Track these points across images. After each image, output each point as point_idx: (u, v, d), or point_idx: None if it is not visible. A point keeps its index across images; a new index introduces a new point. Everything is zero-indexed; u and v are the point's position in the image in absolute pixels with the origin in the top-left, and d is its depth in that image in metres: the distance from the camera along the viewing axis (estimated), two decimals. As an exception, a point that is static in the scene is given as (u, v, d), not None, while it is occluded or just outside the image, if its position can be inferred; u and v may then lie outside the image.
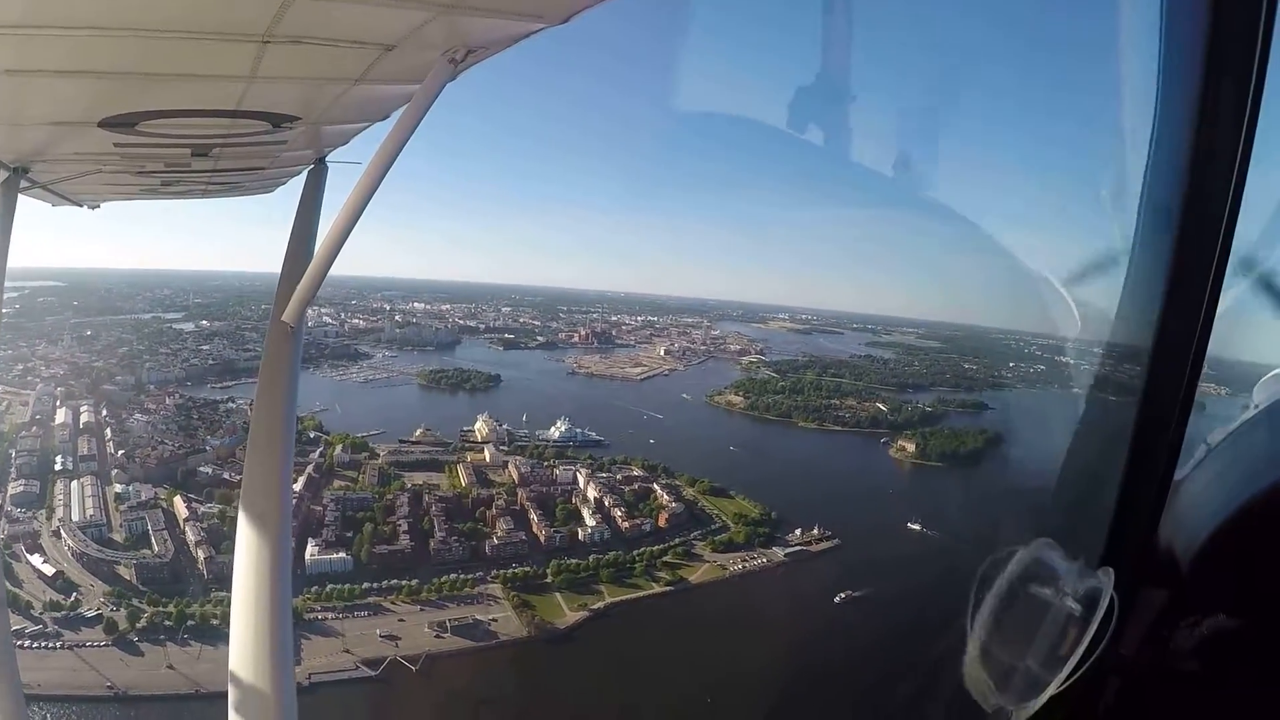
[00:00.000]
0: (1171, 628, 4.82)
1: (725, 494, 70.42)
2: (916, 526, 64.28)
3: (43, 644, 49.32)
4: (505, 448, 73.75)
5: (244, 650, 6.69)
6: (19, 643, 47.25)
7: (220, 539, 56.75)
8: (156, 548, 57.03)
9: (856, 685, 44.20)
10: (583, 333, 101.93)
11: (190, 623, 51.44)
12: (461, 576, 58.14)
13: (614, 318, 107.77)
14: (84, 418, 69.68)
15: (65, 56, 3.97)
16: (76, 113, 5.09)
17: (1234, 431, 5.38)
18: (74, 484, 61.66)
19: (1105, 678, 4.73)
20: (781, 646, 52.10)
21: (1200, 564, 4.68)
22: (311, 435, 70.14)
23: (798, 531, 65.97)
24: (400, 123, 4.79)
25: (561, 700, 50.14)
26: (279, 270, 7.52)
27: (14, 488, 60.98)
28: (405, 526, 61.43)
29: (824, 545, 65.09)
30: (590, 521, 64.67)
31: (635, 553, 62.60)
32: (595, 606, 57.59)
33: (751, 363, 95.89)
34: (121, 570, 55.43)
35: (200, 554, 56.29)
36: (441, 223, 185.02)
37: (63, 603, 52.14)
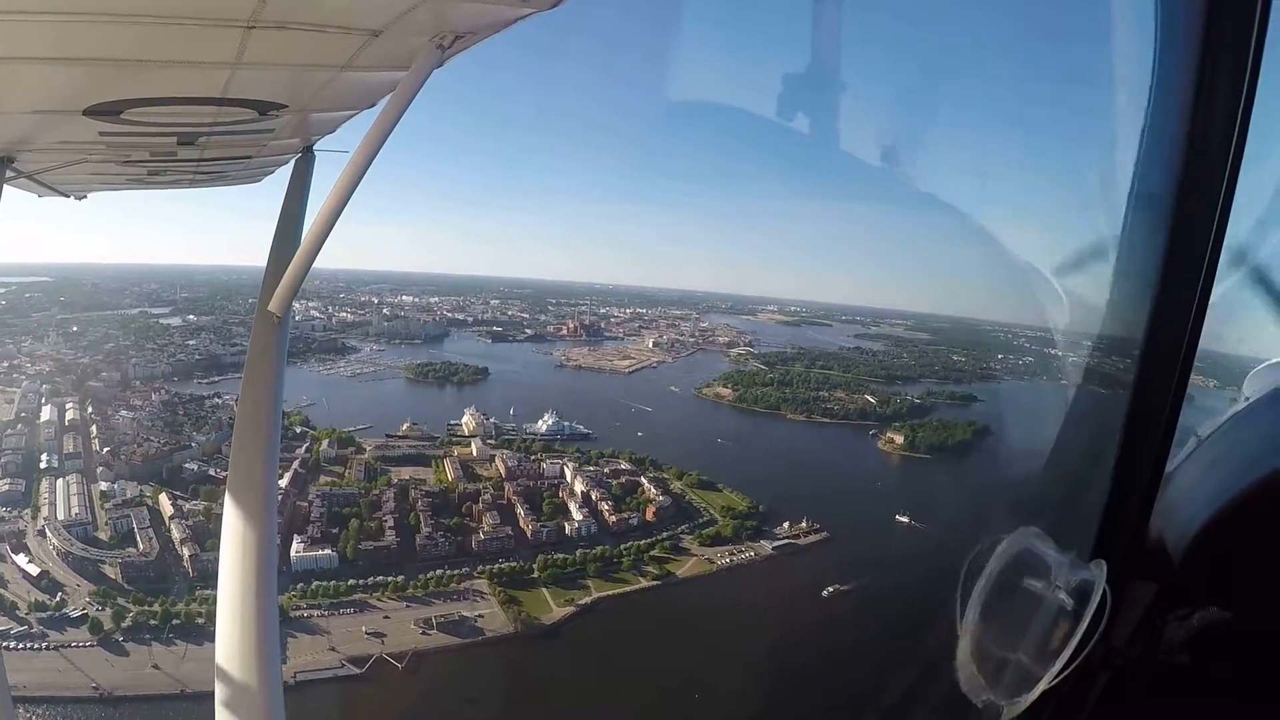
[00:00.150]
0: (1163, 620, 4.86)
1: (713, 487, 70.28)
2: (905, 519, 64.37)
3: (28, 645, 48.99)
4: (492, 441, 73.55)
5: (231, 647, 6.61)
6: (4, 644, 47.21)
7: (205, 536, 56.51)
8: (142, 546, 56.73)
9: (845, 681, 44.11)
10: (571, 325, 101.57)
11: (175, 622, 51.15)
12: (448, 572, 57.91)
13: (602, 310, 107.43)
14: (69, 415, 69.29)
15: (48, 43, 3.93)
16: (60, 101, 5.03)
17: (1225, 424, 5.42)
18: (59, 482, 61.33)
19: (1097, 670, 4.76)
20: (769, 641, 52.07)
21: (1192, 556, 4.71)
22: (298, 430, 69.75)
23: (786, 524, 65.85)
24: (386, 110, 4.77)
25: (548, 696, 50.15)
26: (265, 263, 7.50)
27: (-1, 487, 60.56)
28: (391, 522, 61.15)
29: (812, 538, 65.02)
30: (577, 516, 64.55)
31: (623, 547, 62.40)
32: (582, 602, 57.47)
33: (740, 355, 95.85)
34: (107, 569, 55.08)
35: (185, 551, 55.96)
36: (431, 215, 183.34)
37: (48, 603, 51.79)
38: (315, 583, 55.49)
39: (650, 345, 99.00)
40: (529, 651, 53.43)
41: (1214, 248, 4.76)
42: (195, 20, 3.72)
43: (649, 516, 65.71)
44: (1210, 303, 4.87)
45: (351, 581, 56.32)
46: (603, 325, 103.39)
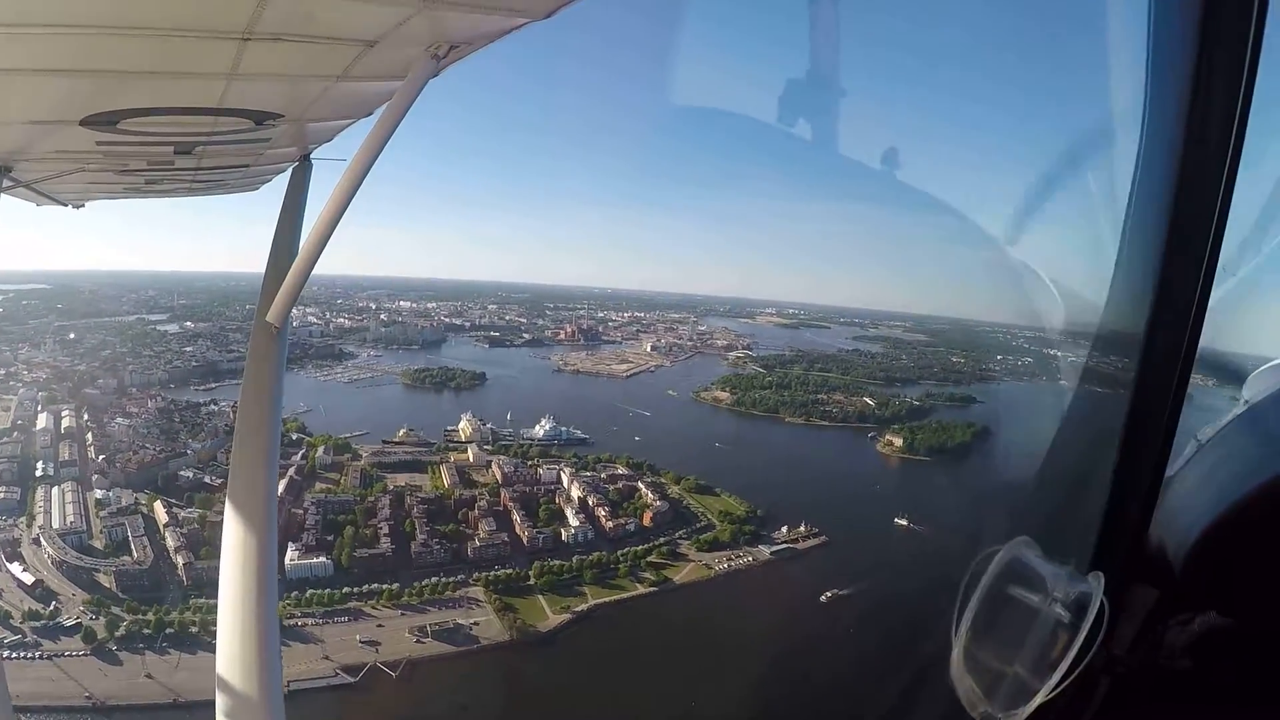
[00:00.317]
0: (1163, 629, 4.77)
1: (711, 492, 69.96)
2: (903, 522, 63.99)
3: (22, 654, 48.75)
4: (489, 447, 73.28)
5: (231, 654, 6.65)
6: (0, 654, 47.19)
7: (199, 544, 56.51)
8: (136, 554, 56.55)
9: (842, 688, 43.86)
10: (569, 329, 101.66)
11: (169, 630, 51.00)
12: (443, 580, 57.69)
13: (600, 314, 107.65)
14: (65, 422, 69.18)
15: (44, 54, 3.96)
16: (57, 111, 5.08)
17: (1226, 427, 5.26)
18: (54, 490, 61.19)
19: (1096, 681, 4.68)
20: (766, 648, 51.84)
21: (1193, 562, 4.61)
22: (294, 437, 69.60)
23: (784, 529, 65.55)
24: (383, 119, 4.82)
25: (543, 705, 49.92)
26: (264, 270, 7.54)
27: (-5, 495, 60.42)
28: (386, 529, 60.88)
29: (811, 543, 64.69)
30: (574, 522, 64.20)
31: (619, 553, 62.16)
32: (578, 609, 57.12)
33: (738, 358, 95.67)
34: (101, 578, 55.00)
35: (179, 560, 55.86)
36: (429, 221, 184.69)
37: (42, 612, 51.64)
38: (310, 591, 55.32)
39: (648, 349, 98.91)
40: (524, 659, 53.01)
41: (1213, 247, 4.68)
42: (191, 32, 3.78)
43: (646, 522, 65.36)
44: (1210, 303, 4.78)
45: (346, 589, 56.08)
46: (601, 329, 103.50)
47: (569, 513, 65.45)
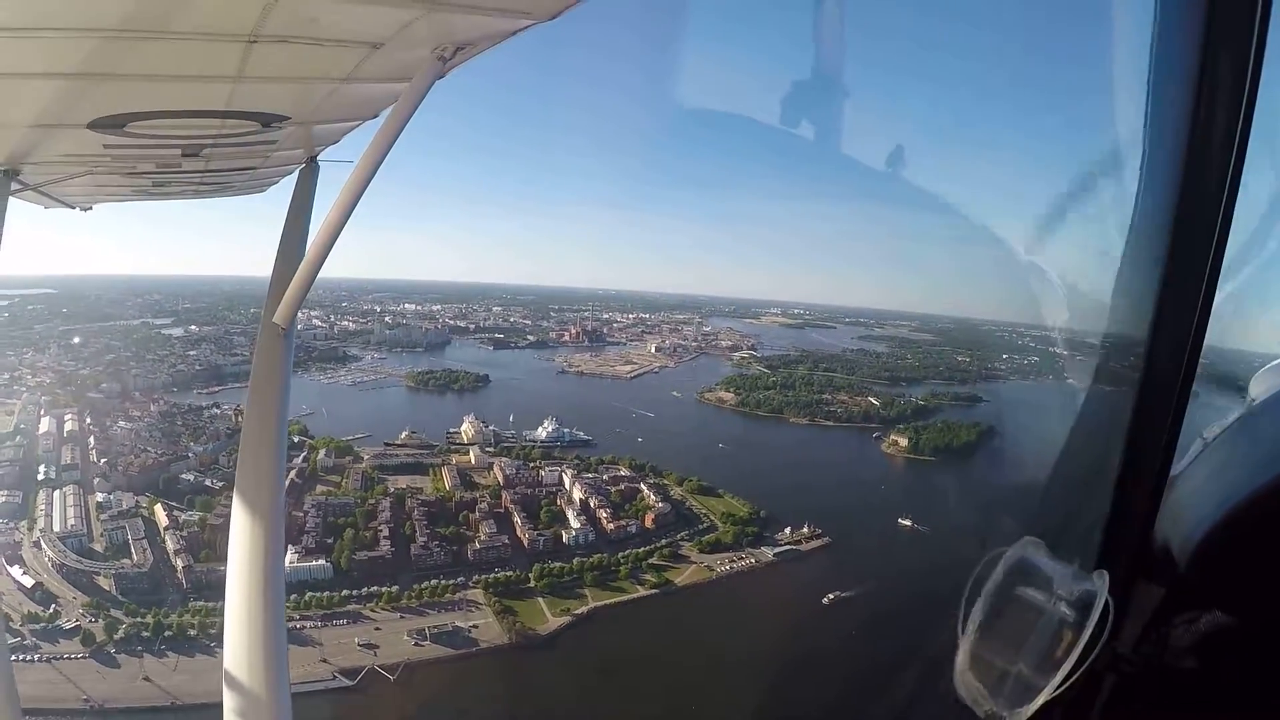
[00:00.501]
0: (1168, 628, 4.80)
1: (714, 493, 69.60)
2: (907, 523, 63.42)
3: (21, 657, 48.69)
4: (491, 449, 73.14)
5: (239, 652, 6.66)
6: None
7: (199, 548, 56.59)
8: (136, 557, 56.62)
9: (845, 692, 43.41)
10: (573, 331, 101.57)
11: (167, 633, 50.99)
12: (443, 582, 57.49)
13: (605, 315, 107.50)
14: (68, 426, 69.37)
15: (51, 58, 4.00)
16: (65, 114, 5.13)
17: (1231, 426, 5.17)
18: (56, 494, 61.38)
19: (1101, 681, 4.70)
20: (768, 651, 51.42)
21: (1198, 562, 4.57)
22: (295, 439, 69.44)
23: (787, 530, 65.16)
24: (389, 121, 4.81)
25: (542, 708, 49.63)
26: (270, 273, 7.58)
27: (-2, 499, 60.66)
28: (386, 532, 60.66)
29: (814, 544, 64.29)
30: (575, 524, 63.90)
31: (620, 555, 61.86)
32: (578, 611, 56.83)
33: (743, 359, 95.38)
34: (101, 581, 55.04)
35: (179, 563, 55.88)
36: (435, 223, 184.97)
37: (41, 614, 51.73)
38: (309, 593, 55.19)
39: (653, 350, 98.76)
40: (524, 663, 52.75)
41: (1219, 246, 4.69)
42: (198, 35, 3.81)
43: (648, 524, 65.00)
44: (1216, 301, 4.78)
45: (345, 592, 55.94)
46: (605, 331, 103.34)
47: (570, 515, 65.17)
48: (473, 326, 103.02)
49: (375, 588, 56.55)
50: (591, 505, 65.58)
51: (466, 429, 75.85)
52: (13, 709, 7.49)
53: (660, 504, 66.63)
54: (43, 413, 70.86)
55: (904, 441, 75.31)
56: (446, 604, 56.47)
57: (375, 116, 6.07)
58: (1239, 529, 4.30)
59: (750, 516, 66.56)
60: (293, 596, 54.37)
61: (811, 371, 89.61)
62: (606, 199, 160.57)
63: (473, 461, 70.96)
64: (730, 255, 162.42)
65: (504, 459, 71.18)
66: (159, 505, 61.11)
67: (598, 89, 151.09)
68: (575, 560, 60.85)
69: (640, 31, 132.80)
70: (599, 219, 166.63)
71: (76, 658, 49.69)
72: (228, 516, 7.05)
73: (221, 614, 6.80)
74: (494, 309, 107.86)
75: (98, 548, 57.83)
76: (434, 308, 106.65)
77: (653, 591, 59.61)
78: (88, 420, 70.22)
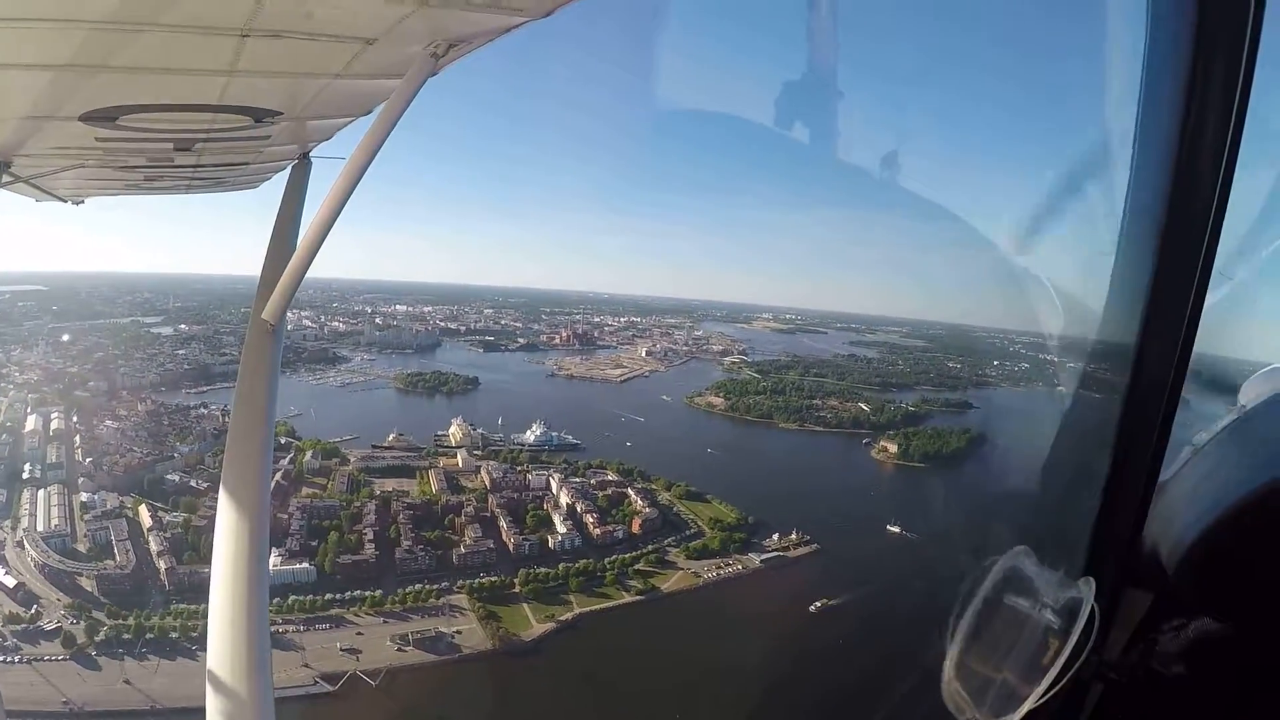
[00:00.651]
0: (1156, 635, 4.85)
1: (702, 498, 69.36)
2: (896, 529, 63.45)
3: (1, 658, 48.58)
4: (479, 452, 72.84)
5: (222, 654, 6.49)
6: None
7: (183, 549, 56.21)
8: (119, 558, 56.18)
9: (831, 700, 43.28)
10: (564, 334, 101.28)
11: (149, 636, 50.61)
12: (426, 587, 57.12)
13: (596, 319, 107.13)
14: (54, 425, 68.84)
15: (44, 49, 3.96)
16: (56, 107, 5.06)
17: (1220, 433, 5.29)
18: (40, 493, 60.86)
19: (1087, 688, 4.80)
20: (754, 659, 51.17)
21: (1185, 569, 4.64)
22: (283, 441, 69.19)
23: (775, 536, 64.97)
24: (381, 118, 4.80)
25: (526, 715, 49.40)
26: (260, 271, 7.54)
27: (-20, 498, 60.17)
28: (371, 535, 60.33)
29: (802, 550, 64.12)
30: (561, 528, 63.64)
31: (607, 560, 61.55)
32: (563, 617, 56.49)
33: (733, 363, 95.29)
34: (84, 581, 54.59)
35: (162, 564, 55.47)
36: (426, 225, 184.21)
37: (22, 615, 51.26)
38: (291, 597, 54.85)
39: (643, 354, 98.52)
40: (508, 669, 52.53)
41: (1208, 253, 4.78)
42: (190, 28, 3.78)
43: (635, 529, 64.78)
44: (1205, 309, 4.89)
45: (328, 596, 55.63)
46: (596, 334, 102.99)
47: (557, 519, 64.87)
48: (464, 328, 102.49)
49: (359, 591, 56.24)
50: (578, 510, 65.33)
51: (454, 432, 75.56)
52: None
53: (648, 509, 66.40)
54: (29, 410, 70.20)
55: (894, 448, 75.25)
56: (430, 609, 56.13)
57: (368, 113, 6.08)
58: (1227, 536, 4.33)
59: (738, 522, 66.38)
60: (275, 600, 53.96)
61: (802, 377, 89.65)
62: (600, 202, 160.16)
63: (460, 465, 70.65)
64: (723, 259, 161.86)
65: (491, 462, 70.86)
66: (143, 506, 60.62)
67: (591, 90, 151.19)
68: (561, 565, 60.51)
69: (632, 32, 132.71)
70: (592, 222, 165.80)
71: (57, 659, 49.16)
72: (212, 518, 6.97)
73: (204, 617, 6.67)
74: (485, 311, 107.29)
75: (81, 548, 57.28)
76: (425, 309, 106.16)
77: (639, 598, 59.38)
78: (74, 419, 69.70)
